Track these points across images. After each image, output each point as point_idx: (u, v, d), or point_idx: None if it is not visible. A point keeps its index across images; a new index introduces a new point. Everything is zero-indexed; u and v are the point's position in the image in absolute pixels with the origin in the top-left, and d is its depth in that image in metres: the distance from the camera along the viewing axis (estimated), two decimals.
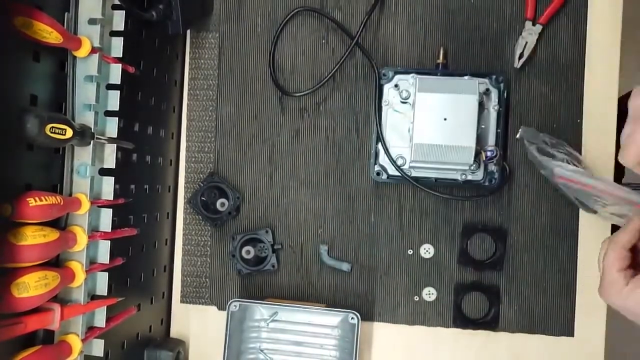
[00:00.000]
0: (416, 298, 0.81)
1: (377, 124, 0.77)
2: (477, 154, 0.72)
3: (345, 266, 0.81)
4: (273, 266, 0.82)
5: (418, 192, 0.80)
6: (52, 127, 0.51)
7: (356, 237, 0.81)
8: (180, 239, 0.85)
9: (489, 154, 0.74)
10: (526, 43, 0.78)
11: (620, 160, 0.55)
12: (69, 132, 0.53)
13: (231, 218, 0.83)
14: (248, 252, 0.81)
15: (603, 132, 0.78)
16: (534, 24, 0.78)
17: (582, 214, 0.78)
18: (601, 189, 0.61)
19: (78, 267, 0.57)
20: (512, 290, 0.79)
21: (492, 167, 0.76)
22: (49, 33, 0.52)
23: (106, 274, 0.62)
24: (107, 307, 0.62)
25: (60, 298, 0.57)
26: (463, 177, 0.76)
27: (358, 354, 0.73)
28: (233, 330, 0.76)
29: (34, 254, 0.50)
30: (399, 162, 0.77)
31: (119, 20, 0.62)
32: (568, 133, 0.78)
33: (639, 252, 0.59)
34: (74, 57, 0.58)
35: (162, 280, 0.82)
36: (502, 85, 0.75)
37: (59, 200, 0.53)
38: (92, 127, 0.58)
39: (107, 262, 0.61)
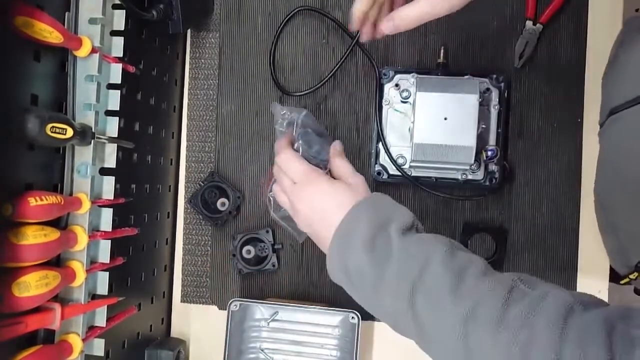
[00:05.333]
0: None
1: (377, 124, 0.77)
2: (478, 154, 0.72)
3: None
4: (273, 265, 0.82)
5: (418, 192, 0.80)
6: (53, 126, 0.51)
7: None
8: (180, 239, 0.85)
9: (489, 153, 0.74)
10: (527, 42, 0.78)
11: None
12: (70, 132, 0.53)
13: (232, 217, 0.83)
14: (249, 251, 0.81)
15: None
16: (534, 24, 0.78)
17: (583, 213, 0.78)
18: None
19: (79, 267, 0.57)
20: None
21: (493, 167, 0.76)
22: (49, 33, 0.52)
23: (107, 273, 0.62)
24: (107, 306, 0.62)
25: (60, 297, 0.57)
26: (463, 176, 0.76)
27: (358, 354, 0.73)
28: (233, 330, 0.76)
29: (34, 254, 0.50)
30: (400, 161, 0.77)
31: (119, 19, 0.62)
32: (568, 132, 0.78)
33: None
34: (75, 57, 0.58)
35: (162, 279, 0.82)
36: (502, 84, 0.75)
37: (60, 200, 0.53)
38: (93, 127, 0.58)
39: (108, 262, 0.62)
